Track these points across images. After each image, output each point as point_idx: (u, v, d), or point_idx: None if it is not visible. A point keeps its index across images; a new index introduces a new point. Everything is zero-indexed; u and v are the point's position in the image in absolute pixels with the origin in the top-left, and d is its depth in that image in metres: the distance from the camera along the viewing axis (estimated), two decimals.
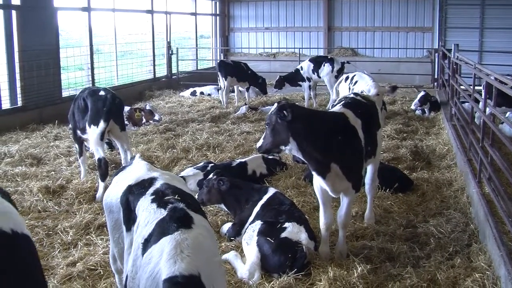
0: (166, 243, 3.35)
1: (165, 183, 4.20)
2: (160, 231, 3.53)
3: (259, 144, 6.12)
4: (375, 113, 7.08)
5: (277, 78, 18.05)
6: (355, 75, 12.93)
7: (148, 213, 3.84)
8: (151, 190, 4.11)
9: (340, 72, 16.47)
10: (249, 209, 6.99)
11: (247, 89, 18.24)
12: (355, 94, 7.46)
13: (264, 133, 6.05)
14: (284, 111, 5.70)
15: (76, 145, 9.55)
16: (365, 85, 11.90)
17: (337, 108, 6.49)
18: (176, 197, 3.91)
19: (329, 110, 6.79)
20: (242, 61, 18.89)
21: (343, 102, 6.69)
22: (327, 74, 16.75)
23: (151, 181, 4.26)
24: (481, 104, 9.12)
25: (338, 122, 6.12)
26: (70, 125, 9.94)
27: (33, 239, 4.43)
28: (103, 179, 8.61)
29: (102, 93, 8.79)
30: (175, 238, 3.37)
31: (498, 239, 5.93)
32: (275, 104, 5.89)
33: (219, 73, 17.24)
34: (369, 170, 7.35)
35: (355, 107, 6.49)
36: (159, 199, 3.92)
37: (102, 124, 8.56)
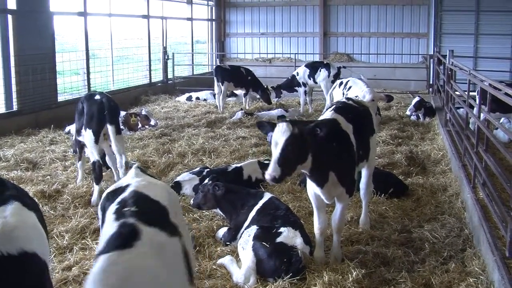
0: (98, 263, 3.07)
1: (135, 190, 3.88)
2: (104, 247, 3.25)
3: (275, 173, 5.41)
4: (367, 118, 7.10)
5: (275, 88, 18.09)
6: (349, 80, 12.98)
7: (108, 225, 3.55)
8: (119, 198, 3.82)
9: (337, 77, 16.49)
10: (244, 214, 7.01)
11: (245, 95, 18.23)
12: (347, 98, 7.47)
13: (277, 159, 5.43)
14: (318, 129, 5.57)
15: (77, 149, 9.58)
16: (359, 90, 11.94)
17: (329, 113, 6.47)
18: (133, 208, 3.58)
19: (322, 117, 6.67)
20: (242, 66, 18.81)
21: (334, 107, 6.71)
22: (324, 79, 16.77)
23: (124, 188, 3.97)
24: (475, 110, 9.17)
25: (333, 129, 6.02)
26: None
27: None
28: (97, 182, 8.67)
29: (97, 97, 8.87)
30: (105, 261, 3.06)
31: (492, 244, 5.96)
32: (282, 124, 5.51)
33: (215, 78, 17.25)
34: (364, 175, 7.38)
35: (346, 111, 6.50)
36: (119, 210, 3.62)
37: (110, 127, 8.67)
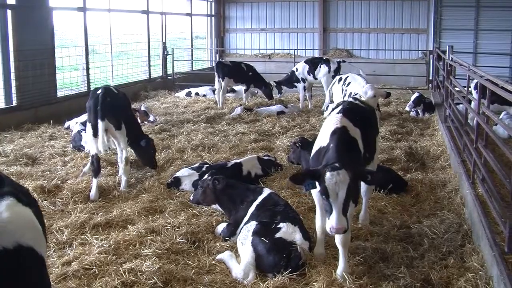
0: None
1: None
2: None
3: (344, 224, 5.31)
4: (374, 119, 7.00)
5: (275, 85, 18.10)
6: (348, 76, 12.99)
7: None
8: None
9: (337, 71, 16.51)
10: (244, 209, 7.02)
11: (245, 91, 18.21)
12: (355, 98, 7.33)
13: (341, 210, 5.32)
14: (369, 175, 5.63)
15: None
16: (358, 86, 11.95)
17: (336, 117, 6.16)
18: None
19: (328, 119, 6.39)
20: (243, 62, 18.79)
21: (341, 108, 6.48)
22: (324, 75, 16.73)
23: None
24: (473, 105, 9.16)
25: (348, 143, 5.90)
26: None
27: None
28: (95, 176, 8.74)
29: (98, 91, 8.97)
30: None
31: (491, 240, 5.97)
32: (339, 173, 5.27)
33: (216, 73, 17.26)
34: None
35: (353, 114, 6.33)
36: None
37: (100, 123, 8.72)
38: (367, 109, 6.91)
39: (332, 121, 6.17)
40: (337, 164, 5.34)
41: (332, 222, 5.28)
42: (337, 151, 5.61)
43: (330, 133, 5.92)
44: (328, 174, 5.28)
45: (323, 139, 6.01)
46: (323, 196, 5.38)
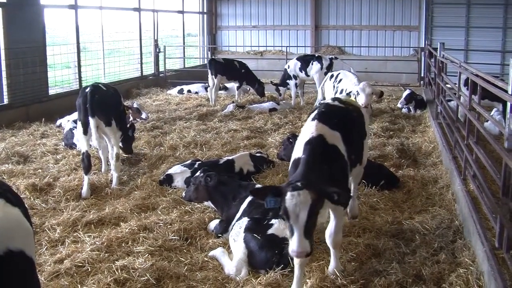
0: None
1: None
2: None
3: (306, 248, 4.75)
4: (358, 119, 6.59)
5: (275, 89, 18.13)
6: (339, 73, 13.03)
7: None
8: None
9: (330, 68, 16.51)
10: (236, 206, 7.04)
11: (238, 88, 18.19)
12: (333, 99, 6.86)
13: (302, 233, 4.76)
14: (336, 195, 4.90)
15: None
16: (349, 83, 11.99)
17: (311, 125, 5.73)
18: None
19: (304, 128, 5.94)
20: (236, 59, 18.76)
21: (316, 113, 6.00)
22: (317, 72, 16.72)
23: None
24: (463, 100, 9.19)
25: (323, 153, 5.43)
26: None
27: None
28: (86, 173, 8.75)
29: (87, 89, 9.01)
30: None
31: (482, 235, 6.01)
32: (299, 194, 4.74)
33: (209, 71, 17.25)
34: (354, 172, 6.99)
35: (330, 117, 5.89)
36: None
37: (91, 120, 8.76)
38: (348, 109, 6.49)
39: (307, 129, 5.75)
40: (299, 184, 4.82)
41: (293, 245, 4.76)
42: (305, 167, 5.18)
43: (304, 143, 5.50)
44: (288, 195, 4.77)
45: (298, 150, 5.54)
46: (284, 217, 4.90)
